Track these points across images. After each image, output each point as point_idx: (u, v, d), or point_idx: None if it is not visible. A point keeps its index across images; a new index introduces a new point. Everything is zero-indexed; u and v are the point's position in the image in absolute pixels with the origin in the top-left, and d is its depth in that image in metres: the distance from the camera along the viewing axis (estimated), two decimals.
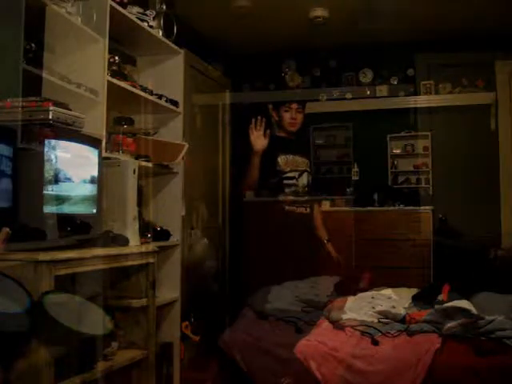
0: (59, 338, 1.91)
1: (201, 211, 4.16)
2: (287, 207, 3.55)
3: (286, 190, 3.57)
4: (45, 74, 2.32)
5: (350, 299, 2.95)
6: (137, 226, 2.66)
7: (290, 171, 3.57)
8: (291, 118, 3.60)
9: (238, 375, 2.69)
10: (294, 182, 3.58)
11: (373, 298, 2.91)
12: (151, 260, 2.56)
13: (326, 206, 4.74)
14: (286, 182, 3.57)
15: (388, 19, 4.29)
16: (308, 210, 3.61)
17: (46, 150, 2.13)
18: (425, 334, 2.54)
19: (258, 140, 3.38)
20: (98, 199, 2.45)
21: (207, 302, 4.04)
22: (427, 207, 4.67)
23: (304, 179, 3.63)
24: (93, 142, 2.46)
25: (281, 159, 3.55)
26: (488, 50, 4.59)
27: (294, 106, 3.60)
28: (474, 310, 2.54)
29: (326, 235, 3.76)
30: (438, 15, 4.24)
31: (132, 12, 3.04)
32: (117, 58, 2.97)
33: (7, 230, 1.92)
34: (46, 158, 2.13)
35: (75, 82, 2.54)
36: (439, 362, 2.38)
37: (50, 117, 2.19)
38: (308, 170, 3.69)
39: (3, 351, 1.70)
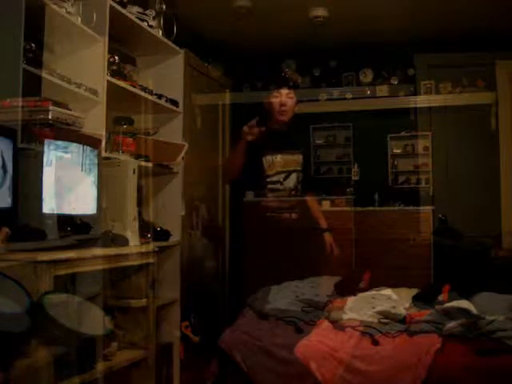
0: (59, 337, 1.91)
1: (201, 211, 4.15)
2: (268, 213, 3.31)
3: (269, 195, 3.32)
4: (45, 74, 2.32)
5: (350, 299, 2.94)
6: (137, 226, 2.66)
7: (275, 174, 3.31)
8: (281, 104, 3.27)
9: (238, 375, 2.69)
10: (278, 186, 3.33)
11: (373, 298, 2.91)
12: (151, 260, 2.56)
13: (326, 205, 4.74)
14: (269, 186, 3.32)
15: (388, 19, 4.29)
16: (293, 215, 3.43)
17: (45, 149, 2.13)
18: (425, 334, 2.54)
19: (249, 129, 3.03)
20: (97, 199, 2.45)
21: (207, 302, 4.04)
22: (427, 207, 4.66)
23: (291, 182, 3.37)
24: (93, 141, 2.46)
25: (265, 160, 3.28)
26: (488, 49, 4.59)
27: (284, 91, 3.30)
28: (474, 310, 2.54)
29: (324, 224, 3.52)
30: (438, 15, 4.24)
31: (132, 12, 3.04)
32: (117, 57, 2.97)
33: (7, 229, 1.92)
34: (45, 157, 2.13)
35: (75, 81, 2.54)
36: (439, 363, 2.38)
37: (50, 117, 2.19)
38: (298, 168, 3.40)
39: (3, 351, 1.69)
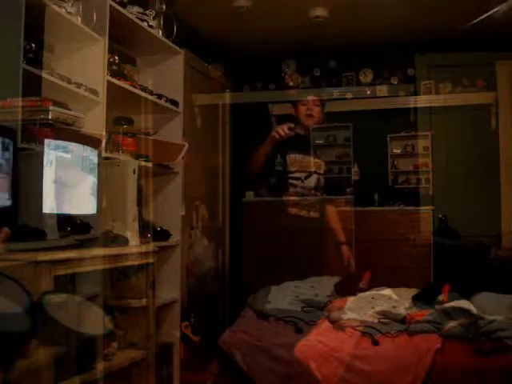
0: (59, 337, 1.91)
1: (201, 211, 4.16)
2: (289, 209, 3.50)
3: (291, 190, 3.51)
4: (45, 74, 2.32)
5: (350, 299, 2.95)
6: (137, 226, 2.66)
7: (296, 171, 3.50)
8: (307, 110, 3.52)
9: (238, 375, 2.69)
10: (298, 182, 3.52)
11: (373, 298, 2.92)
12: (151, 260, 2.56)
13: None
14: (291, 181, 3.52)
15: (388, 19, 4.29)
16: (312, 213, 3.56)
17: (45, 149, 2.13)
18: (425, 334, 2.54)
19: (282, 130, 3.34)
20: (97, 199, 2.44)
21: (207, 302, 4.04)
22: (427, 207, 4.66)
23: (312, 182, 3.55)
24: (93, 141, 2.46)
25: (289, 158, 3.49)
26: (488, 50, 4.59)
27: (311, 98, 3.56)
28: (474, 310, 2.54)
29: (342, 237, 3.69)
30: (438, 15, 4.24)
31: (132, 12, 3.04)
32: (117, 57, 2.97)
33: (7, 230, 1.91)
34: (45, 157, 2.13)
35: (75, 81, 2.54)
36: (439, 362, 2.38)
37: (50, 117, 2.19)
38: (318, 171, 3.59)
39: (3, 351, 1.69)
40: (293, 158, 3.50)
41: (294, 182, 3.52)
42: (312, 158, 3.58)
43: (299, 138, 3.53)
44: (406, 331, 2.59)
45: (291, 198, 3.53)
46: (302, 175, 3.53)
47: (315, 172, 3.58)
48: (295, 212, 3.55)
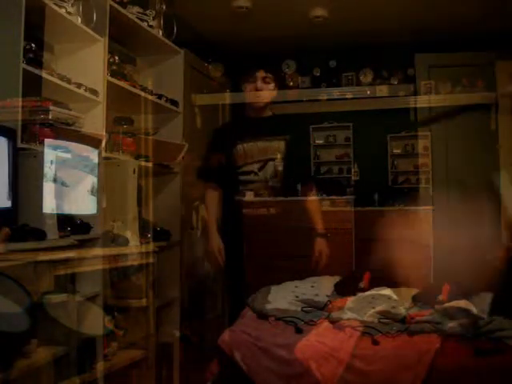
0: (59, 337, 1.91)
1: (201, 211, 4.15)
2: (244, 210, 2.97)
3: (241, 189, 2.94)
4: (45, 74, 2.32)
5: (350, 299, 2.94)
6: (137, 226, 2.66)
7: (245, 164, 2.90)
8: (255, 89, 2.90)
9: (238, 375, 2.69)
10: (251, 177, 2.95)
11: (373, 298, 2.91)
12: (151, 260, 2.56)
13: (325, 205, 4.74)
14: (241, 177, 2.92)
15: (388, 19, 4.29)
16: (275, 210, 3.11)
17: (45, 149, 2.14)
18: (425, 334, 2.54)
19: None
20: (98, 199, 2.45)
21: (207, 302, 4.04)
22: (427, 207, 4.66)
23: (268, 171, 2.97)
24: (93, 141, 2.46)
25: (236, 150, 2.86)
26: (488, 50, 4.59)
27: (261, 74, 2.90)
28: (474, 310, 2.54)
29: (320, 228, 3.16)
30: (438, 15, 4.24)
31: (132, 12, 3.04)
32: (117, 57, 2.97)
33: (7, 229, 1.91)
34: (45, 157, 2.13)
35: (75, 81, 2.54)
36: (439, 363, 2.38)
37: (50, 117, 2.20)
38: (277, 157, 2.93)
39: (3, 351, 1.69)
40: (240, 149, 2.83)
41: (246, 177, 2.91)
42: (267, 143, 2.90)
43: (251, 122, 2.93)
44: (406, 331, 2.59)
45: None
46: (255, 167, 2.91)
47: (270, 159, 2.92)
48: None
